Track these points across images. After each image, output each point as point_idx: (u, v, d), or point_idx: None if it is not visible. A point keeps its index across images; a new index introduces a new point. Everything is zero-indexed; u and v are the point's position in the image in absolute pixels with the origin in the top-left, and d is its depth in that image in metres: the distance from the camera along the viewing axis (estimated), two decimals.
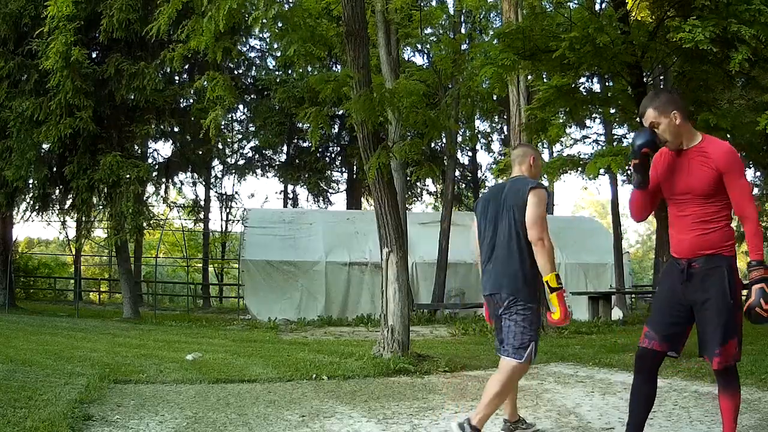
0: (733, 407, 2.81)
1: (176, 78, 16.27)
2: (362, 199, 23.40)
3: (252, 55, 22.81)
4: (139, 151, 16.53)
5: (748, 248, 2.77)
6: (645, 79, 7.30)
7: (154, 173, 17.39)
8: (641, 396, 2.91)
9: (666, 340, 2.87)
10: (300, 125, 20.81)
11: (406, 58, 19.05)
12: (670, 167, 2.91)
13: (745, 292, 2.81)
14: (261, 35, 20.76)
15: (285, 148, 23.88)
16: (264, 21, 6.09)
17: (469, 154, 24.07)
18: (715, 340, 2.74)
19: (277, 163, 24.42)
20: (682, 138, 2.87)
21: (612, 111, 9.20)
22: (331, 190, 24.64)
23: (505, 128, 22.75)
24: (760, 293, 2.70)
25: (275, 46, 19.31)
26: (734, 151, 2.83)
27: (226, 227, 25.85)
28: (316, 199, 24.50)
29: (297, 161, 23.16)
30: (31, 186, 14.36)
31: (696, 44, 5.30)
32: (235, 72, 21.08)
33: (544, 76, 8.07)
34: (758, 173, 21.97)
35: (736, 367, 2.82)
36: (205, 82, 6.98)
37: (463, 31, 16.68)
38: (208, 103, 7.15)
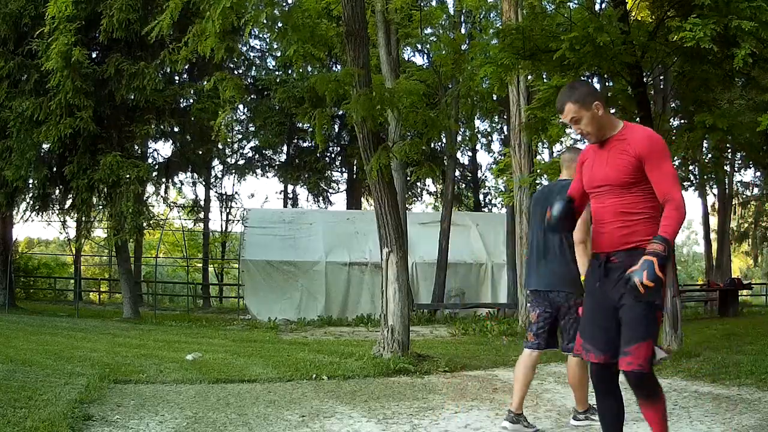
0: (660, 415, 2.60)
1: (176, 78, 16.26)
2: (362, 199, 23.40)
3: (252, 55, 22.83)
4: (139, 151, 16.51)
5: (661, 225, 2.53)
6: (645, 79, 7.29)
7: (154, 173, 17.38)
8: (606, 411, 2.73)
9: (605, 350, 2.63)
10: (300, 125, 20.82)
11: (406, 58, 19.05)
12: (591, 161, 2.77)
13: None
14: (261, 35, 20.80)
15: (285, 148, 23.87)
16: (263, 21, 6.09)
17: (469, 154, 24.08)
18: (626, 340, 2.53)
19: (277, 163, 24.42)
20: (606, 129, 2.72)
21: (612, 111, 9.18)
22: (331, 190, 24.65)
23: (505, 128, 22.73)
24: (646, 265, 2.44)
25: (275, 46, 19.31)
26: (656, 136, 2.66)
27: (226, 227, 25.86)
28: (316, 199, 24.51)
29: (297, 161, 23.15)
30: (31, 186, 14.36)
31: (697, 42, 5.29)
32: (235, 72, 21.06)
33: (544, 76, 8.06)
34: (758, 173, 21.99)
35: (653, 373, 2.59)
36: (215, 83, 6.99)
37: (463, 31, 16.67)
38: (217, 103, 7.16)
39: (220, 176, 25.18)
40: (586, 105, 2.69)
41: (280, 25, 6.64)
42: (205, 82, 7.31)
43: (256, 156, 24.50)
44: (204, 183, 23.52)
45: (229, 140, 24.11)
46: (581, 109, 2.70)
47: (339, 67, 18.49)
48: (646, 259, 2.45)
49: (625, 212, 2.62)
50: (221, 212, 26.46)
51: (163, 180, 19.31)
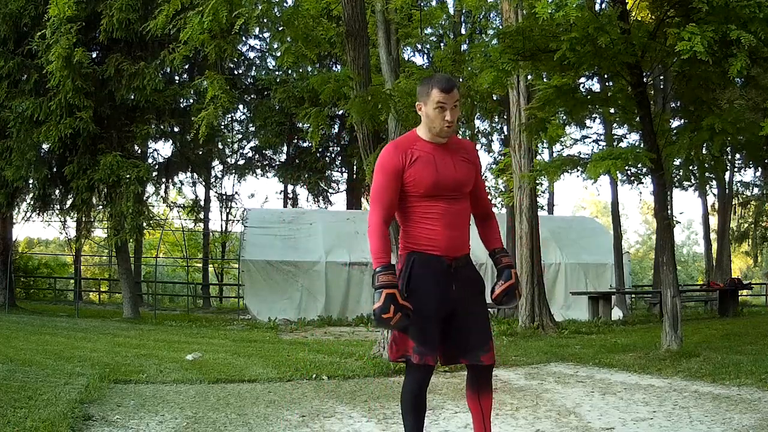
0: (491, 407, 2.77)
1: (176, 78, 16.29)
2: (362, 199, 23.39)
3: (252, 55, 22.83)
4: (139, 151, 16.53)
5: (495, 239, 2.81)
6: (645, 79, 7.29)
7: (154, 173, 17.40)
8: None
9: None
10: (300, 125, 20.81)
11: (406, 58, 19.03)
12: (431, 162, 2.61)
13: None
14: (261, 35, 20.79)
15: (285, 148, 23.87)
16: (257, 18, 6.09)
17: None
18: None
19: (277, 163, 24.41)
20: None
21: (612, 111, 9.19)
22: (331, 190, 24.64)
23: (505, 128, 22.73)
24: (509, 275, 2.73)
25: (275, 46, 19.30)
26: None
27: (226, 227, 25.84)
28: (316, 199, 24.50)
29: (297, 161, 23.15)
30: (31, 186, 14.37)
31: (694, 54, 5.27)
32: (235, 72, 21.07)
33: (544, 76, 8.06)
34: (758, 173, 22.00)
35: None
36: (205, 82, 7.00)
37: (463, 31, 16.67)
38: (206, 103, 7.18)
39: (220, 176, 25.18)
40: (460, 97, 2.64)
41: (271, 22, 6.65)
42: (205, 83, 7.33)
43: (256, 156, 24.49)
44: (204, 183, 23.52)
45: (229, 140, 24.14)
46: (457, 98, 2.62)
47: (339, 67, 18.49)
48: (514, 272, 2.75)
49: (466, 219, 2.70)
50: (221, 212, 26.47)
51: (163, 180, 19.34)
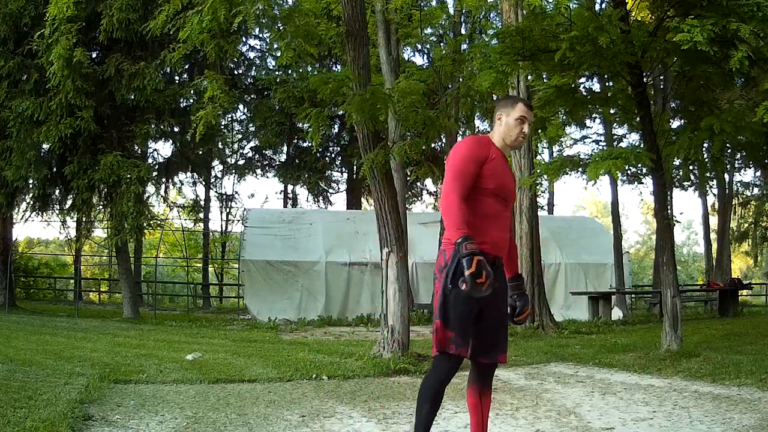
0: (490, 406, 2.87)
1: (176, 78, 16.28)
2: (362, 199, 23.39)
3: (252, 55, 22.82)
4: (139, 151, 16.51)
5: (516, 264, 3.06)
6: (645, 79, 7.29)
7: (154, 173, 17.38)
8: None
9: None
10: (300, 125, 20.80)
11: (406, 58, 19.03)
12: (501, 166, 2.84)
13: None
14: (261, 35, 20.79)
15: (285, 148, 23.86)
16: (257, 16, 6.09)
17: None
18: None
19: (277, 163, 24.41)
20: None
21: (612, 111, 9.19)
22: (331, 190, 24.63)
23: None
24: (528, 301, 2.97)
25: (275, 46, 19.29)
26: None
27: (226, 227, 25.84)
28: (316, 199, 24.50)
29: (297, 161, 23.14)
30: (31, 186, 14.36)
31: (695, 44, 5.28)
32: (235, 72, 21.07)
33: (544, 76, 8.05)
34: (758, 173, 21.99)
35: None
36: (205, 82, 7.00)
37: (463, 31, 16.65)
38: (204, 102, 7.17)
39: (220, 176, 25.19)
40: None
41: (270, 21, 6.66)
42: (205, 82, 7.33)
43: (256, 156, 24.49)
44: (204, 183, 23.51)
45: (229, 140, 24.14)
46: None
47: (339, 67, 18.48)
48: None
49: (509, 225, 2.92)
50: (221, 212, 26.46)
51: (163, 180, 19.31)
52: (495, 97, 15.07)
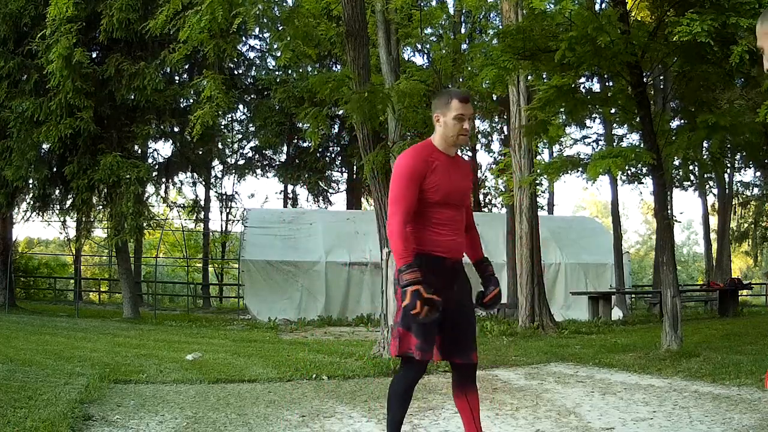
0: (479, 404, 2.85)
1: (176, 78, 16.27)
2: (362, 199, 23.39)
3: (252, 55, 22.81)
4: (139, 151, 16.52)
5: (480, 249, 3.07)
6: (645, 79, 7.29)
7: (154, 173, 17.37)
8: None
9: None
10: (300, 125, 20.80)
11: (406, 58, 19.02)
12: (446, 172, 2.77)
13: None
14: (261, 35, 20.78)
15: (285, 148, 23.85)
16: (256, 16, 6.10)
17: (469, 154, 24.03)
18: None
19: (277, 163, 24.41)
20: None
21: (612, 111, 9.19)
22: (331, 190, 24.63)
23: (505, 128, 22.72)
24: (496, 282, 2.97)
25: (275, 46, 19.30)
26: None
27: (226, 227, 25.83)
28: (316, 199, 24.50)
29: (297, 161, 23.14)
30: (31, 186, 14.37)
31: (694, 37, 5.26)
32: (235, 72, 21.06)
33: (544, 76, 8.06)
34: (758, 173, 21.99)
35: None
36: (204, 81, 7.01)
37: (463, 31, 16.66)
38: (202, 102, 7.18)
39: (220, 176, 25.18)
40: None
41: (270, 22, 6.66)
42: (204, 82, 7.34)
43: (256, 156, 24.49)
44: (204, 183, 23.51)
45: (229, 140, 24.14)
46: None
47: (339, 67, 18.47)
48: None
49: (463, 226, 2.91)
50: (221, 212, 26.43)
51: (163, 180, 19.30)
52: (494, 98, 15.11)
